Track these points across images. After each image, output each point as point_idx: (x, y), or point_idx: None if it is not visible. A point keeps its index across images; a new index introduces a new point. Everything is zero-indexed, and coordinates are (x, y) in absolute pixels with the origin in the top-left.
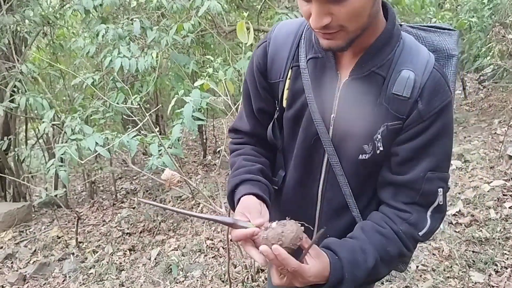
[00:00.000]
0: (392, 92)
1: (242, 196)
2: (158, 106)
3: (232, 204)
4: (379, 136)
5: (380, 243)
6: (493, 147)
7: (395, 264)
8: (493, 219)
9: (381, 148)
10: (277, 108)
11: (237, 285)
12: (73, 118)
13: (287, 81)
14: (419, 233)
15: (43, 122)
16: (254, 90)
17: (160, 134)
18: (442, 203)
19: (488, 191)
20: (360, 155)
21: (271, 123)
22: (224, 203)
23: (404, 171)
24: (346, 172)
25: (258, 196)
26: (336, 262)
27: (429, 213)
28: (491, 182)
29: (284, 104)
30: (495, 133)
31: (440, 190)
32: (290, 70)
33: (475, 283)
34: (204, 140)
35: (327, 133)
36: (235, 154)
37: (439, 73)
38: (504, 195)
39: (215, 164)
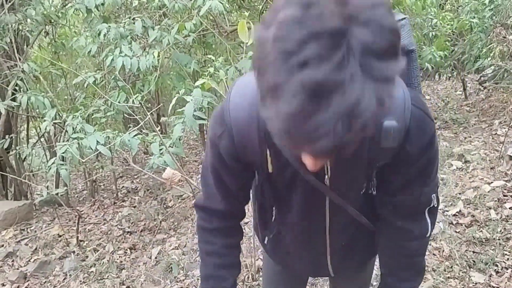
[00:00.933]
0: (380, 147)
1: None
2: (159, 105)
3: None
4: (374, 180)
5: None
6: (493, 148)
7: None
8: (493, 220)
9: (374, 193)
10: (260, 174)
11: (237, 285)
12: (75, 117)
13: (268, 157)
14: (427, 235)
15: (45, 120)
16: (229, 174)
17: (161, 133)
18: (436, 205)
19: (488, 192)
20: (361, 191)
21: (257, 189)
22: None
23: (399, 193)
24: (352, 204)
25: None
26: None
27: (426, 214)
28: (492, 182)
29: (270, 170)
30: (496, 133)
31: (433, 195)
32: (267, 150)
33: (476, 283)
34: (205, 139)
35: (326, 186)
36: (207, 250)
37: (418, 108)
38: (504, 195)
39: None
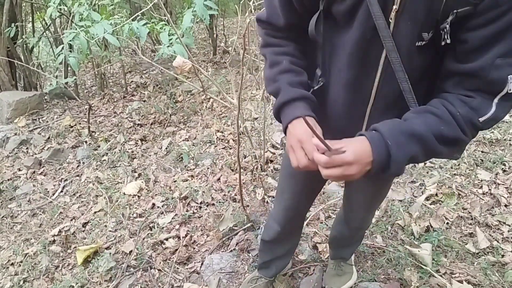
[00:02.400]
0: None
1: (300, 117)
2: None
3: (278, 113)
4: (448, 27)
5: (431, 121)
6: None
7: (452, 147)
8: (506, 122)
9: (448, 41)
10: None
11: (246, 174)
12: (81, 4)
13: None
14: (480, 119)
15: (49, 6)
16: None
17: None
18: (511, 91)
19: None
20: (417, 42)
21: (316, 16)
22: (236, 91)
23: (471, 59)
24: (406, 67)
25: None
26: (373, 135)
27: (495, 100)
28: None
29: None
30: None
31: (510, 77)
32: None
33: (481, 180)
34: (214, 37)
35: (387, 28)
36: (275, 51)
37: None
38: None
39: (225, 62)
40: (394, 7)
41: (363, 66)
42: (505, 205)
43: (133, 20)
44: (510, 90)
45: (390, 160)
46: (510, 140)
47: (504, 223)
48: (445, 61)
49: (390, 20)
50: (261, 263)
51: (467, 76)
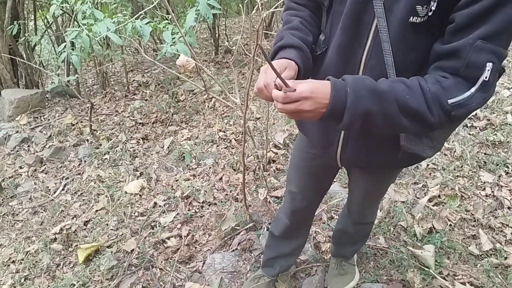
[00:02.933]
0: None
1: (286, 58)
2: None
3: (274, 55)
4: (433, 3)
5: (399, 87)
6: None
7: (414, 122)
8: (509, 124)
9: (433, 8)
10: None
11: (248, 174)
12: (84, 2)
13: None
14: (449, 100)
15: (52, 4)
16: None
17: (173, 23)
18: (488, 79)
19: (507, 97)
20: (411, 18)
21: None
22: (239, 91)
23: (454, 39)
24: (392, 38)
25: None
26: (337, 80)
27: (472, 89)
28: None
29: None
30: None
31: (489, 64)
32: None
33: (484, 182)
34: (216, 36)
35: None
36: (291, 13)
37: None
38: None
39: (227, 62)
40: None
41: (355, 31)
42: (508, 207)
43: (136, 18)
44: (486, 77)
45: (344, 108)
46: None
47: (507, 225)
48: (434, 46)
49: None
50: (266, 259)
51: (446, 56)
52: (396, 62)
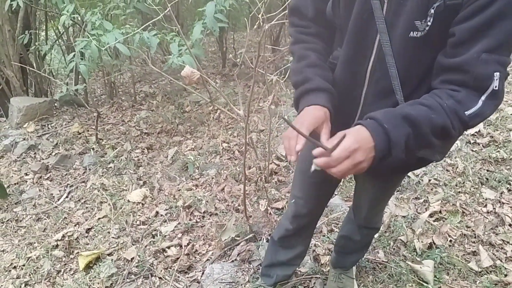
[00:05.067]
0: None
1: (319, 104)
2: None
3: (299, 100)
4: (432, 11)
5: (422, 108)
6: None
7: (441, 138)
8: None
9: (429, 23)
10: None
11: (250, 185)
12: (93, 13)
13: None
14: (466, 112)
15: (63, 15)
16: None
17: (180, 36)
18: (497, 88)
19: (511, 114)
20: (411, 33)
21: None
22: (243, 103)
23: (459, 53)
24: (395, 52)
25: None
26: (369, 121)
27: (482, 97)
28: None
29: None
30: None
31: (497, 74)
32: None
33: (486, 199)
34: (224, 49)
35: (381, 9)
36: (304, 47)
37: None
38: None
39: (234, 75)
40: None
41: (359, 45)
42: (510, 225)
43: (144, 30)
44: (496, 87)
45: (390, 143)
46: None
47: (508, 242)
48: (438, 58)
49: (385, 1)
50: (263, 267)
51: (454, 70)
52: (399, 74)
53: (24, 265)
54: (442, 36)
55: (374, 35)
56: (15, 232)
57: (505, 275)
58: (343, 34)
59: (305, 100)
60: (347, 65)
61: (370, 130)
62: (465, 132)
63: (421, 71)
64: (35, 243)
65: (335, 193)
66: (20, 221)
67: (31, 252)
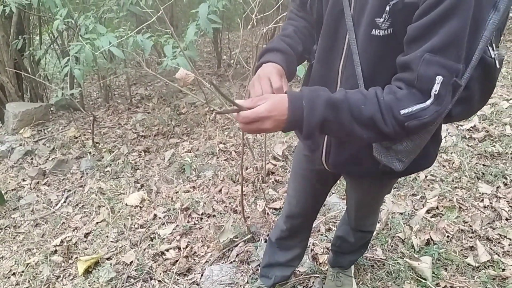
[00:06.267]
0: None
1: (272, 61)
2: (171, 0)
3: (260, 56)
4: (388, 8)
5: (355, 97)
6: None
7: (369, 129)
8: (508, 135)
9: (388, 21)
10: None
11: (247, 185)
12: (87, 16)
13: None
14: (401, 110)
15: (56, 19)
16: None
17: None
18: (437, 92)
19: (506, 108)
20: (373, 30)
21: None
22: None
23: (408, 52)
24: (360, 50)
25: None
26: (294, 94)
27: (428, 101)
28: (511, 99)
29: None
30: None
31: (439, 78)
32: None
33: (482, 194)
34: (219, 50)
35: (349, 6)
36: (289, 22)
37: None
38: None
39: (228, 75)
40: None
41: (332, 43)
42: (506, 219)
43: (137, 33)
44: (436, 91)
45: (302, 120)
46: (511, 153)
47: (505, 236)
48: (397, 58)
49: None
50: (262, 267)
51: (402, 68)
52: (365, 74)
53: (23, 272)
54: (402, 35)
55: (344, 33)
56: (14, 238)
57: (503, 270)
58: (318, 31)
59: (264, 57)
60: (322, 62)
61: (289, 102)
62: (461, 126)
63: (389, 72)
64: (33, 249)
65: (332, 191)
66: (19, 227)
67: (30, 258)
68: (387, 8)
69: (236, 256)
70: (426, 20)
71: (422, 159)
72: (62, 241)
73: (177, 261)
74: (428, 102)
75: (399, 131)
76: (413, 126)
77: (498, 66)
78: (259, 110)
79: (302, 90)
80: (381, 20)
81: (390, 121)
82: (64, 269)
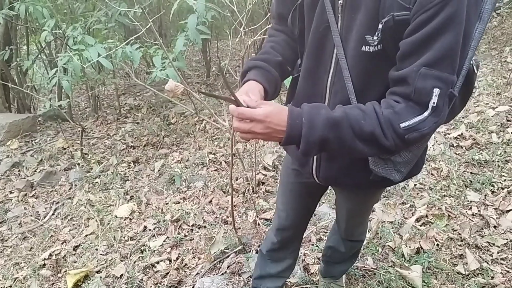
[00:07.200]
0: None
1: (250, 79)
2: (161, 13)
3: (241, 79)
4: (380, 26)
5: (354, 113)
6: (501, 75)
7: (369, 145)
8: (494, 143)
9: (375, 38)
10: None
11: (238, 196)
12: (75, 27)
13: None
14: (401, 124)
15: (44, 30)
16: None
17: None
18: (436, 105)
19: (492, 116)
20: (363, 47)
21: (292, 9)
22: (228, 114)
23: (403, 66)
24: (350, 66)
25: (262, 85)
26: (295, 109)
27: (425, 113)
28: (496, 107)
29: None
30: (505, 61)
31: (436, 90)
32: None
33: (471, 201)
34: (208, 59)
35: (335, 23)
36: (268, 39)
37: None
38: (508, 120)
39: (218, 84)
40: (340, 1)
41: (319, 58)
42: (494, 226)
43: (126, 44)
44: (434, 103)
45: (300, 137)
46: (498, 161)
47: (494, 244)
48: (389, 72)
49: (339, 15)
50: (253, 279)
51: (398, 83)
52: (356, 88)
53: (11, 286)
54: (395, 50)
55: (331, 49)
56: (1, 252)
57: (492, 277)
58: (303, 46)
59: (245, 79)
60: (309, 77)
61: (289, 117)
62: (448, 135)
63: (380, 86)
64: (21, 263)
65: (323, 201)
66: (6, 240)
67: (18, 273)
68: (380, 26)
69: (228, 267)
70: (420, 35)
71: (413, 167)
72: (50, 255)
73: (167, 273)
74: (426, 113)
75: (399, 144)
76: (413, 138)
77: (476, 71)
78: (256, 112)
79: (303, 107)
80: (372, 38)
81: (391, 135)
82: (53, 283)
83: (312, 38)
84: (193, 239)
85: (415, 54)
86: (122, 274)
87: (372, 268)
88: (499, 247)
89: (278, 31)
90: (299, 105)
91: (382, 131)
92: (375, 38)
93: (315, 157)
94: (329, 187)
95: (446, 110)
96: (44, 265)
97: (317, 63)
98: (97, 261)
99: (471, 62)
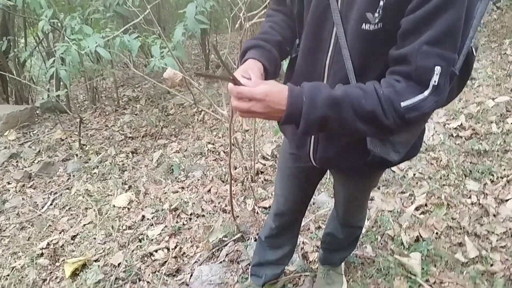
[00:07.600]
0: None
1: (249, 58)
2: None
3: (241, 59)
4: (382, 3)
5: (355, 92)
6: (501, 67)
7: (370, 125)
8: (494, 133)
9: (377, 15)
10: None
11: (236, 185)
12: (72, 17)
13: None
14: (401, 103)
15: (41, 20)
16: None
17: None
18: (437, 83)
19: (492, 107)
20: (364, 25)
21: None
22: (227, 104)
23: (404, 44)
24: (350, 45)
25: (262, 63)
26: (295, 88)
27: (425, 92)
28: (496, 98)
29: None
30: (505, 53)
31: (437, 68)
32: None
33: (470, 190)
34: (207, 52)
35: (336, 1)
36: (267, 19)
37: None
38: (507, 110)
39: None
40: None
41: (318, 37)
42: (494, 215)
43: (124, 33)
44: (435, 82)
45: (300, 116)
46: (498, 151)
47: (493, 232)
48: (390, 51)
49: None
50: (252, 266)
51: (399, 61)
52: (355, 67)
53: (8, 275)
54: (395, 28)
55: (331, 28)
56: None
57: (491, 265)
58: (302, 25)
59: (244, 58)
60: (307, 56)
61: (289, 95)
62: (448, 125)
63: (379, 65)
64: (19, 252)
65: (322, 190)
66: (4, 230)
67: (15, 262)
68: (381, 3)
69: (226, 255)
70: (421, 13)
71: (410, 148)
72: (48, 244)
73: (166, 261)
74: (426, 93)
75: (399, 123)
76: (414, 117)
77: (474, 53)
78: (255, 91)
79: (303, 85)
80: (375, 15)
81: (391, 114)
82: (51, 272)
83: (311, 17)
84: (192, 227)
85: (417, 31)
86: (120, 263)
87: (371, 256)
88: (498, 235)
89: (277, 11)
90: (298, 85)
91: (382, 110)
92: (376, 15)
93: (312, 139)
94: (327, 172)
95: (447, 89)
96: (42, 254)
97: (316, 42)
98: (95, 250)
99: (471, 44)
